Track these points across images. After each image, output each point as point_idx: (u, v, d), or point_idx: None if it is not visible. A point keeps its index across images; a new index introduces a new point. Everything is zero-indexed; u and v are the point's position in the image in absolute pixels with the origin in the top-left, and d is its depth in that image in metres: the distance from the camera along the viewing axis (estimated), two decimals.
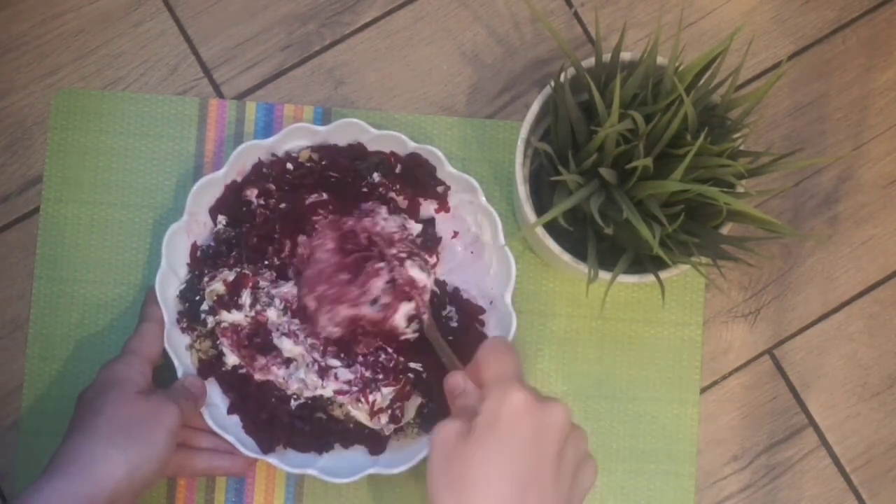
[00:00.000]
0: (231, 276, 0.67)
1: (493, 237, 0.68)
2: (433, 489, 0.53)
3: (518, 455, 0.52)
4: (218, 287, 0.67)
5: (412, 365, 0.68)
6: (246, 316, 0.67)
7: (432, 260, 0.70)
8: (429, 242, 0.70)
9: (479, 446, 0.52)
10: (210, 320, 0.68)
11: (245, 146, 0.68)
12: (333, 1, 0.75)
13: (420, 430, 0.69)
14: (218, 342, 0.68)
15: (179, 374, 0.67)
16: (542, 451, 0.52)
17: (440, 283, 0.70)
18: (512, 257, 0.68)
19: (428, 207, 0.71)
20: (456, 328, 0.69)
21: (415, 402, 0.68)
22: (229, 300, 0.67)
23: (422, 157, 0.68)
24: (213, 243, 0.69)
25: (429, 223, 0.70)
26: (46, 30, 0.74)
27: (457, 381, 0.59)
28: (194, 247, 0.69)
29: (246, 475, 0.70)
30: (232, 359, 0.68)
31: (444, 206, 0.70)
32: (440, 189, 0.69)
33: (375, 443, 0.68)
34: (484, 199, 0.68)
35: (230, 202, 0.69)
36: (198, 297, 0.68)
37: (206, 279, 0.68)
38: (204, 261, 0.69)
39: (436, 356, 0.66)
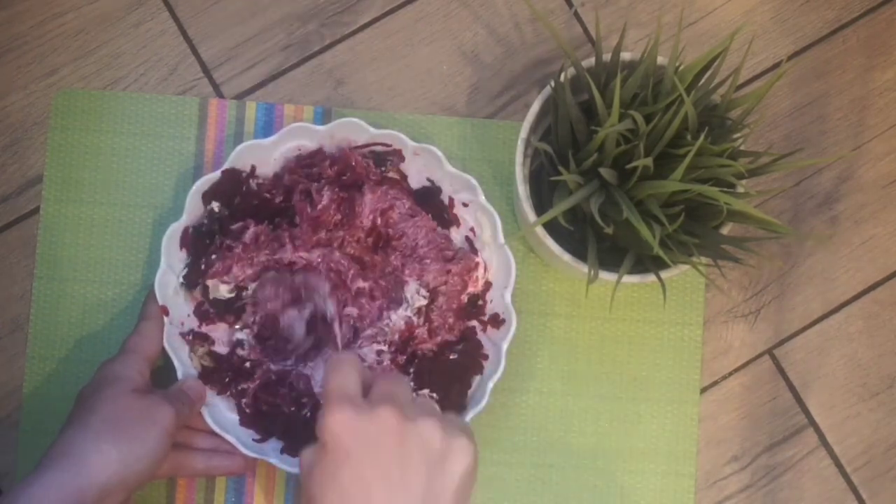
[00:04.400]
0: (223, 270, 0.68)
1: (493, 236, 0.68)
2: None
3: (347, 476, 0.50)
4: (221, 290, 0.68)
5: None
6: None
7: (478, 271, 0.70)
8: (472, 247, 0.70)
9: (318, 475, 0.51)
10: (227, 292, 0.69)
11: (245, 146, 0.68)
12: (333, 1, 0.75)
13: None
14: (213, 347, 0.69)
15: (180, 374, 0.67)
16: (374, 460, 0.50)
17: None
18: (512, 257, 0.68)
19: None
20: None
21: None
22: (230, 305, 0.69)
23: (433, 189, 0.70)
24: (205, 221, 0.69)
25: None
26: (46, 30, 0.74)
27: (343, 379, 0.54)
28: (185, 231, 0.68)
29: (245, 475, 0.70)
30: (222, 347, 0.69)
31: (455, 222, 0.71)
32: (447, 216, 0.70)
33: None
34: (483, 198, 0.68)
35: (226, 188, 0.69)
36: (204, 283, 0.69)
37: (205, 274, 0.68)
38: (196, 240, 0.68)
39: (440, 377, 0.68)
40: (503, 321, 0.68)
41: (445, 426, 0.52)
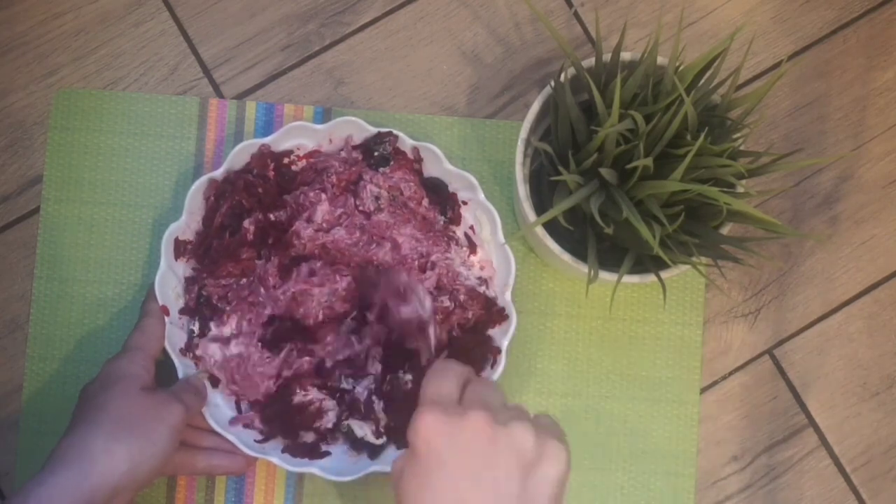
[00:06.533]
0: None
1: (493, 234, 0.68)
2: None
3: (440, 480, 0.50)
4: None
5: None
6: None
7: (476, 257, 0.70)
8: (470, 243, 0.70)
9: (411, 481, 0.51)
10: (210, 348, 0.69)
11: (244, 145, 0.68)
12: (333, 1, 0.76)
13: None
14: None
15: (180, 374, 0.67)
16: (466, 465, 0.50)
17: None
18: (512, 256, 0.68)
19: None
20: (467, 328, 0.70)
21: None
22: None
23: (442, 182, 0.69)
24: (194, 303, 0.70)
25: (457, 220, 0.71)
26: (46, 30, 0.74)
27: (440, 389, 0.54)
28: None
29: (246, 474, 0.70)
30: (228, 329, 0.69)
31: (457, 220, 0.71)
32: (451, 214, 0.70)
33: (372, 450, 0.68)
34: (482, 196, 0.68)
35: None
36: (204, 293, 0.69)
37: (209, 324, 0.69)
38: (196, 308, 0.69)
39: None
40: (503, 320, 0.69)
41: (538, 430, 0.52)
